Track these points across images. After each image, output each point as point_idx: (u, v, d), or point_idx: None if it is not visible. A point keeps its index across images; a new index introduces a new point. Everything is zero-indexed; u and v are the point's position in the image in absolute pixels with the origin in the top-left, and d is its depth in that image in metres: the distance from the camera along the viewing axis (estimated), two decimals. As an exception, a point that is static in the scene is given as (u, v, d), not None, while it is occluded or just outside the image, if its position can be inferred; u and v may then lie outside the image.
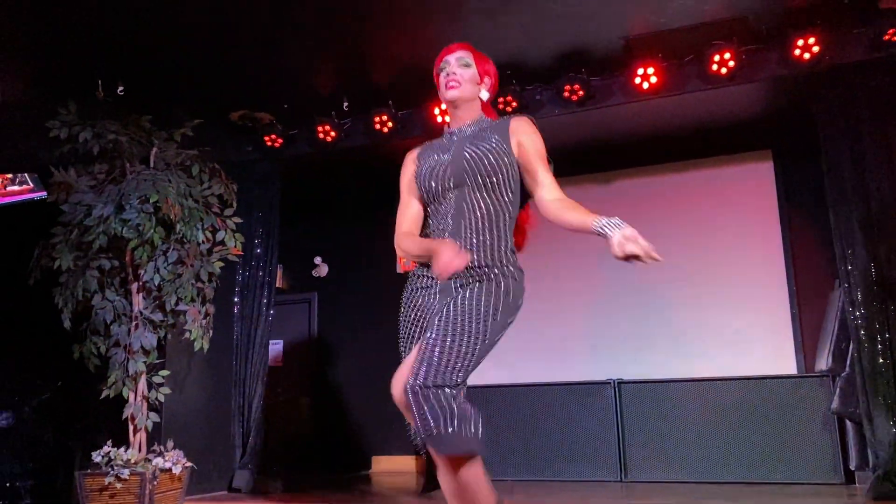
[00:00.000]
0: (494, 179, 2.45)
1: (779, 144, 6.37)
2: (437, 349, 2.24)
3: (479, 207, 2.45)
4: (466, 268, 2.37)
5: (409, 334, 2.56)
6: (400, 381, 2.37)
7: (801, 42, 4.97)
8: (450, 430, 2.14)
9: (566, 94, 5.47)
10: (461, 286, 2.40)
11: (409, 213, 2.64)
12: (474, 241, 2.42)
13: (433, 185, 2.52)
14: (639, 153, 6.57)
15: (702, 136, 6.27)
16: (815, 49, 4.96)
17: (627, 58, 5.29)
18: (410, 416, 2.28)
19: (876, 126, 4.93)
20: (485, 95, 2.62)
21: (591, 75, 5.46)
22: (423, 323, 2.50)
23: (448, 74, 2.57)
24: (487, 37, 5.00)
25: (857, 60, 5.01)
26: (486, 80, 2.62)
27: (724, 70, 5.14)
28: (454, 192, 2.48)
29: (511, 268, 2.43)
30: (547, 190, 2.46)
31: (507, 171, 2.47)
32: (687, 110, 5.80)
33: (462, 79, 2.55)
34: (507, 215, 2.48)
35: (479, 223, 2.44)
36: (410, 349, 2.50)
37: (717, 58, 5.11)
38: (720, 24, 4.93)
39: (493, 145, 2.47)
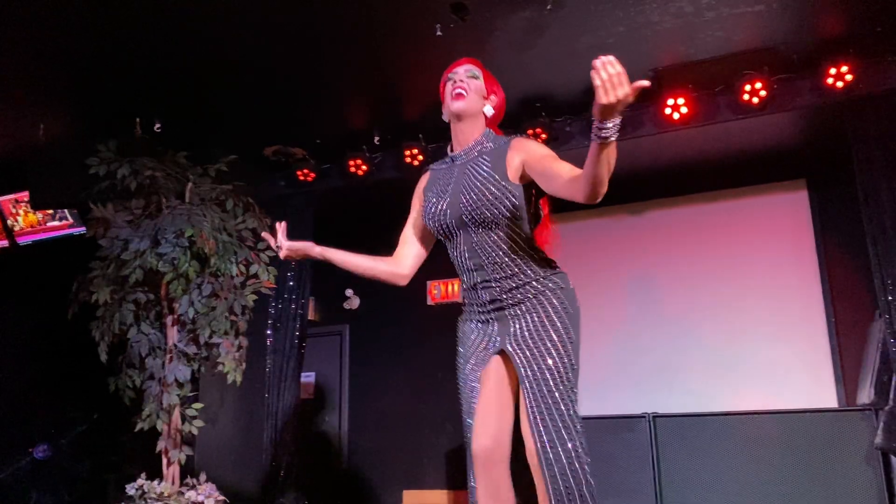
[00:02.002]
0: (494, 216, 2.37)
1: (813, 173, 6.28)
2: (547, 405, 2.24)
3: (489, 244, 2.39)
4: (510, 292, 2.37)
5: (468, 371, 2.49)
6: (485, 433, 2.35)
7: (833, 70, 4.92)
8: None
9: (596, 125, 5.46)
10: (515, 315, 2.37)
11: (402, 235, 2.77)
12: (500, 274, 2.39)
13: (437, 226, 2.51)
14: (671, 183, 6.53)
15: (734, 165, 6.21)
16: (849, 77, 4.91)
17: (657, 88, 5.29)
18: (486, 473, 2.32)
19: (913, 154, 4.86)
20: (489, 111, 2.53)
21: (621, 106, 5.46)
22: (480, 357, 2.45)
23: (455, 83, 2.50)
24: (516, 70, 5.04)
25: (893, 87, 4.95)
26: (493, 97, 2.54)
27: (755, 100, 5.11)
28: (460, 232, 2.45)
29: (552, 278, 2.39)
30: (568, 172, 2.25)
31: (506, 202, 2.36)
32: (719, 140, 5.76)
33: (469, 88, 2.48)
34: (520, 237, 2.40)
35: (498, 258, 2.39)
36: (472, 387, 2.46)
37: (748, 87, 5.08)
38: (750, 53, 4.91)
39: (486, 178, 2.38)
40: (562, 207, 2.67)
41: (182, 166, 5.20)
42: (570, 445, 2.21)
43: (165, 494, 4.56)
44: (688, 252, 6.56)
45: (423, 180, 2.68)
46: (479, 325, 2.48)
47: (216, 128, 5.67)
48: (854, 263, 5.95)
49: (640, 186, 6.59)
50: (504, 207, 2.36)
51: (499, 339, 2.40)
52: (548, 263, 2.44)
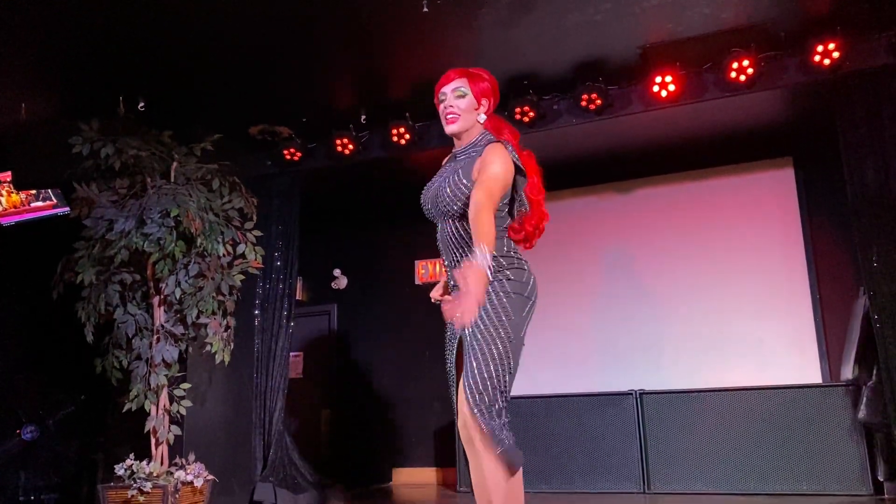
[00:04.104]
0: (455, 209, 2.59)
1: (800, 151, 6.30)
2: (475, 373, 2.43)
3: (453, 235, 2.63)
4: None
5: (446, 356, 2.76)
6: (460, 417, 2.58)
7: (820, 48, 4.92)
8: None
9: (583, 103, 5.45)
10: None
11: None
12: (453, 262, 2.63)
13: (424, 209, 2.76)
14: (658, 162, 6.54)
15: (721, 143, 6.22)
16: (836, 55, 4.91)
17: (645, 66, 5.27)
18: (468, 451, 2.56)
19: (899, 131, 4.87)
20: (482, 118, 2.72)
21: (608, 84, 5.45)
22: (452, 339, 2.70)
23: (446, 108, 2.70)
24: (503, 48, 5.01)
25: (879, 65, 4.95)
26: (484, 102, 2.72)
27: (742, 77, 5.11)
28: (437, 221, 2.69)
29: (505, 270, 2.56)
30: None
31: (463, 199, 2.56)
32: (706, 118, 5.77)
33: (459, 110, 2.68)
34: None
35: (457, 250, 2.62)
36: (449, 370, 2.72)
37: (735, 65, 5.07)
38: (738, 31, 4.90)
39: (455, 178, 2.61)
40: (548, 186, 2.72)
41: (167, 145, 5.15)
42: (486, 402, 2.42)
43: (154, 474, 4.57)
44: (675, 230, 6.59)
45: (444, 162, 2.89)
46: None
47: (201, 106, 5.61)
48: (839, 240, 6.00)
49: (627, 164, 6.60)
50: (461, 203, 2.57)
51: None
52: (508, 259, 2.59)
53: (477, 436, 2.43)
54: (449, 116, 2.70)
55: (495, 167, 2.51)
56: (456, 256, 2.62)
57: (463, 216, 2.58)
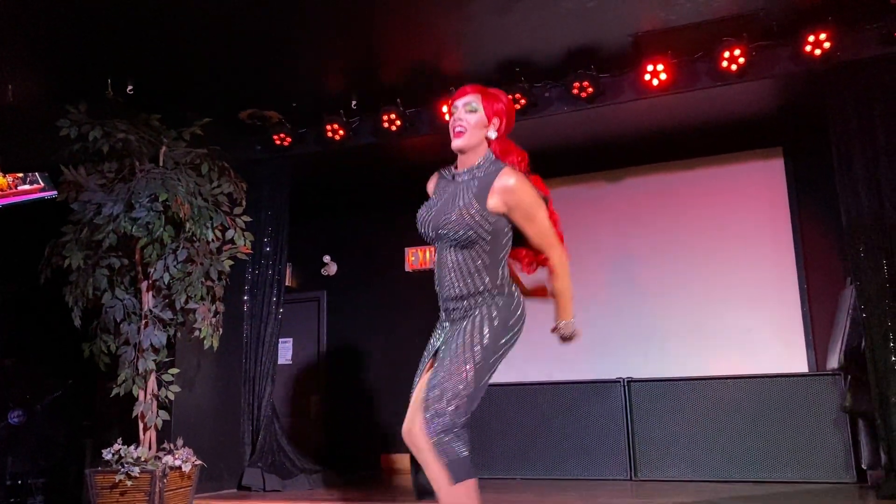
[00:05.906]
0: (465, 239, 2.56)
1: (790, 141, 6.32)
2: (436, 386, 2.47)
3: (457, 261, 2.60)
4: (456, 308, 2.62)
5: (421, 361, 2.77)
6: (407, 420, 2.60)
7: (812, 38, 4.93)
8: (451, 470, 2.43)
9: (575, 90, 5.44)
10: (456, 326, 2.63)
11: None
12: (454, 292, 2.61)
13: (422, 231, 2.72)
14: (648, 150, 6.54)
15: (712, 133, 6.23)
16: (827, 45, 4.92)
17: (637, 54, 5.27)
18: (415, 454, 2.56)
19: (889, 122, 4.89)
20: (492, 135, 2.68)
21: (600, 72, 5.44)
22: (429, 352, 2.73)
23: (455, 121, 2.66)
24: (496, 34, 4.99)
25: (870, 56, 4.96)
26: (495, 121, 2.68)
27: (734, 67, 5.11)
28: (437, 243, 2.66)
29: (497, 297, 2.58)
30: (535, 240, 2.65)
31: (477, 227, 2.55)
32: (697, 107, 5.77)
33: (468, 125, 2.65)
34: (482, 260, 2.59)
35: (457, 275, 2.60)
36: (419, 372, 2.75)
37: (727, 54, 5.07)
38: (730, 20, 4.89)
39: (464, 203, 2.57)
40: (538, 174, 2.73)
41: (155, 129, 5.10)
42: (444, 406, 2.45)
43: (142, 459, 4.56)
44: (664, 219, 6.60)
45: (432, 182, 2.84)
46: (440, 324, 2.74)
47: (190, 90, 5.57)
48: (827, 230, 6.03)
49: (617, 153, 6.60)
50: (475, 233, 2.55)
51: (440, 340, 2.69)
52: (501, 285, 2.61)
53: (423, 443, 2.45)
54: (457, 130, 2.66)
55: (534, 205, 2.58)
56: (458, 285, 2.60)
57: (468, 245, 2.56)
